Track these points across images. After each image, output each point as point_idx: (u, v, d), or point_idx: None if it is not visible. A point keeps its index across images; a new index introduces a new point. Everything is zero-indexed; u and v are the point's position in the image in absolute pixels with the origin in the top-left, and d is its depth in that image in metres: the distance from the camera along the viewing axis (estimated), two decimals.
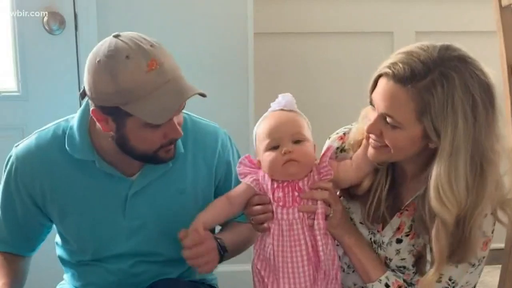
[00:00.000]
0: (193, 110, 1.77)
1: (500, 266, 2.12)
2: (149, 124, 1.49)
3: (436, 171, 1.40)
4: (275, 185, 1.51)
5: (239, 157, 1.79)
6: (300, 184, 1.51)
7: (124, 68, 1.45)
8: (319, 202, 1.50)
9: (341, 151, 1.62)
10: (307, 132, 1.54)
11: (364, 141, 1.53)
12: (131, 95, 1.46)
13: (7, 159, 1.69)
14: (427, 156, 1.46)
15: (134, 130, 1.52)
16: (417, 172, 1.52)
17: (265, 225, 1.50)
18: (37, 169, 1.64)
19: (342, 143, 1.63)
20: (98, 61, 1.48)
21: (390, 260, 1.58)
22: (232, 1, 2.50)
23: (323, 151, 1.58)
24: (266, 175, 1.53)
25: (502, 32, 2.10)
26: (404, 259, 1.56)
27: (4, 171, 1.69)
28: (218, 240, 1.64)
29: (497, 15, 2.11)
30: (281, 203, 1.50)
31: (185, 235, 1.52)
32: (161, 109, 1.47)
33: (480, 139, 1.39)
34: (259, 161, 1.55)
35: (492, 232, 1.52)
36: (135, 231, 1.66)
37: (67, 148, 1.62)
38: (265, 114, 1.57)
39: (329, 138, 1.67)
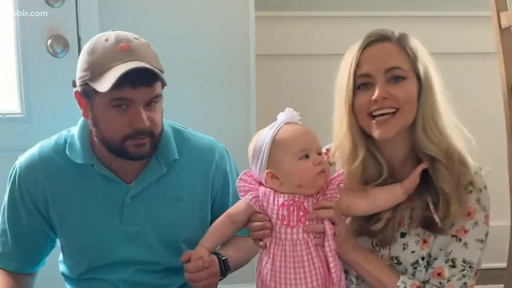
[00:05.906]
0: (195, 129, 1.79)
1: (502, 286, 2.11)
2: (113, 103, 1.54)
3: (422, 108, 1.50)
4: (280, 203, 1.47)
5: (236, 170, 1.80)
6: (305, 204, 1.47)
7: (100, 46, 1.56)
8: (326, 222, 1.47)
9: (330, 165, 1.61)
10: None
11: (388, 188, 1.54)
12: (98, 70, 1.54)
13: (11, 170, 1.73)
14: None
15: (101, 110, 1.57)
16: (410, 167, 1.55)
17: (262, 242, 1.48)
18: (40, 176, 1.68)
19: (328, 158, 1.65)
20: (86, 45, 1.60)
21: (398, 260, 1.56)
22: (234, 23, 2.52)
23: (333, 176, 1.53)
24: (268, 191, 1.49)
25: (502, 53, 2.12)
26: (414, 251, 1.55)
27: (9, 181, 1.72)
28: (223, 259, 1.65)
29: (497, 37, 2.13)
30: (285, 222, 1.46)
31: (187, 259, 1.51)
32: (111, 78, 1.51)
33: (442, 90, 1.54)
34: (269, 173, 1.48)
35: (489, 207, 1.54)
36: (132, 238, 1.68)
37: (68, 153, 1.66)
38: (277, 124, 1.51)
39: None
